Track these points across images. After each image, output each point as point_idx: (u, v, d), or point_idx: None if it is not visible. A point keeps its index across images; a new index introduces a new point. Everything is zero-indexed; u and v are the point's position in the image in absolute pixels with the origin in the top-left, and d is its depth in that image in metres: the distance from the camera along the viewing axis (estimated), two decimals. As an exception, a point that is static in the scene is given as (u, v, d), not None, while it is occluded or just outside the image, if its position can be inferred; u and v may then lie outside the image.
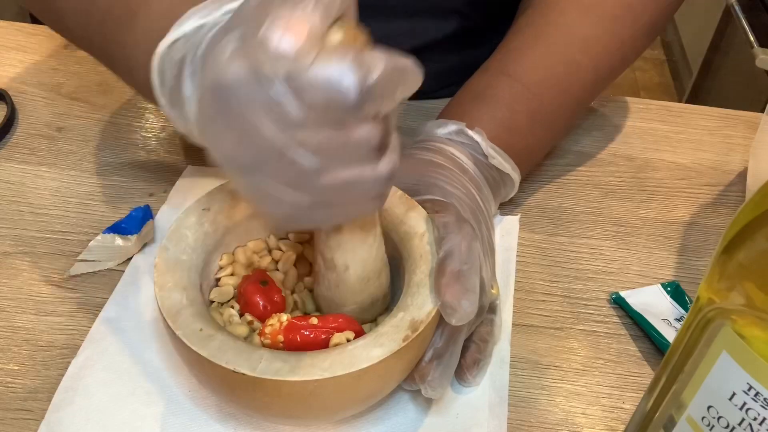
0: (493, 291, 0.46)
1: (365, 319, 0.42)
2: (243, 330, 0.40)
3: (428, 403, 0.44)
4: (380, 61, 0.29)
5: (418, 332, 0.37)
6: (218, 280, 0.44)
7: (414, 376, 0.41)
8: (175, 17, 0.39)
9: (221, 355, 0.35)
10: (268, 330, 0.39)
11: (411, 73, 0.31)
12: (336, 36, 0.30)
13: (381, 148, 0.33)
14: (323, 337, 0.39)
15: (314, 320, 0.39)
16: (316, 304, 0.44)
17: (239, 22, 0.32)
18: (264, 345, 0.39)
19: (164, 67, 0.39)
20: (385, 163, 0.33)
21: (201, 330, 0.36)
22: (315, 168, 0.31)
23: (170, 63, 0.39)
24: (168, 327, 0.37)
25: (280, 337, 0.39)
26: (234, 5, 0.37)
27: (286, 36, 0.29)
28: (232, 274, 0.44)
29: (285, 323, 0.39)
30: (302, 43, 0.29)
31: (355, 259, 0.39)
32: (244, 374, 0.35)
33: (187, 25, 0.38)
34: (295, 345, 0.38)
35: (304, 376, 0.35)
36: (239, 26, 0.31)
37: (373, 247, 0.40)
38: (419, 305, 0.38)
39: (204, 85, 0.33)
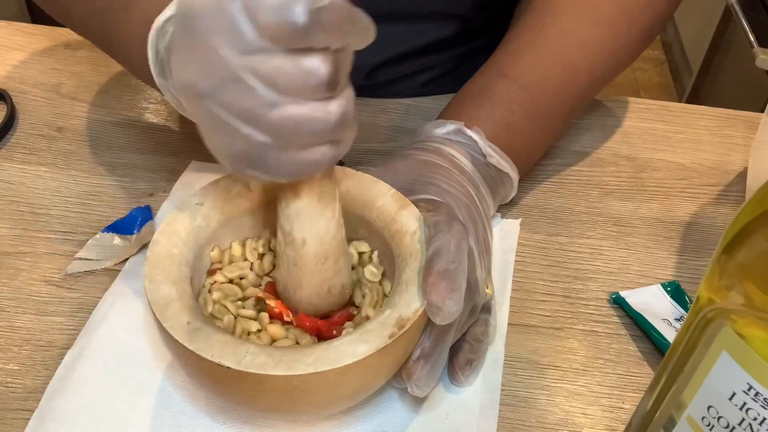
0: (488, 291, 0.46)
1: (320, 310, 0.42)
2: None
3: (419, 402, 0.44)
4: None
5: (404, 330, 0.37)
6: (211, 272, 0.44)
7: (401, 373, 0.41)
8: None
9: (207, 349, 0.35)
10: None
11: (364, 24, 0.32)
12: None
13: (332, 87, 0.33)
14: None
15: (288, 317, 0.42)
16: (277, 292, 0.43)
17: None
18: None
19: (158, 41, 0.42)
20: (336, 105, 0.34)
21: (188, 323, 0.37)
22: (267, 99, 0.32)
23: (162, 35, 0.42)
24: (156, 319, 0.37)
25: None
26: None
27: None
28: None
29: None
30: None
31: (312, 233, 0.39)
32: (229, 368, 0.35)
33: None
34: None
35: (289, 370, 0.35)
36: None
37: (331, 222, 0.40)
38: (407, 303, 0.38)
39: (177, 22, 0.35)
